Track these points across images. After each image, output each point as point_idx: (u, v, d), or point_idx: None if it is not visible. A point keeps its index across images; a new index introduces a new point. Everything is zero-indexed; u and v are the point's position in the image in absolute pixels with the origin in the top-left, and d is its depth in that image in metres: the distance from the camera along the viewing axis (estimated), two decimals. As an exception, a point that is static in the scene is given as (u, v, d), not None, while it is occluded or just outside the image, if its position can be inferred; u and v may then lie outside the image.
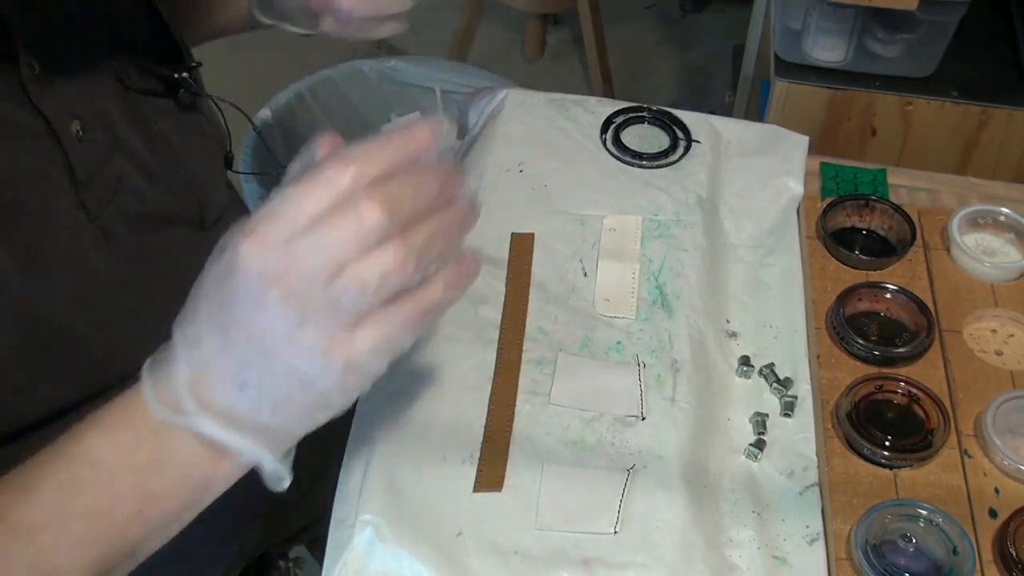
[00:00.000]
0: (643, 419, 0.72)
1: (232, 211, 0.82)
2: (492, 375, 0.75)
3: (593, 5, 2.17)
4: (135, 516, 0.50)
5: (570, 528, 0.66)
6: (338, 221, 0.44)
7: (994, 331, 0.80)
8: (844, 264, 0.84)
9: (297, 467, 0.51)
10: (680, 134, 0.92)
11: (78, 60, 0.66)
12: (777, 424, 0.75)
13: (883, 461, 0.71)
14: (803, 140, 0.92)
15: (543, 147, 0.91)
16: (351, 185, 0.45)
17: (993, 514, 0.68)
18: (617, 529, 0.66)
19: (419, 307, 0.48)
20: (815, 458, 0.73)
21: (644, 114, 0.95)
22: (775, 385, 0.76)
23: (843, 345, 0.78)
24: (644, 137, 0.93)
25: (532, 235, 0.84)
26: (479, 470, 0.69)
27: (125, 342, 0.66)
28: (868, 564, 0.64)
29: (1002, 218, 0.86)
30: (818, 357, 0.78)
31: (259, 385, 0.47)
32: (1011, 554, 0.64)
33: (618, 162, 0.90)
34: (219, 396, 0.48)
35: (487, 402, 0.73)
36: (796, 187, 0.89)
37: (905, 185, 0.92)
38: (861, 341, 0.77)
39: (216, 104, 0.81)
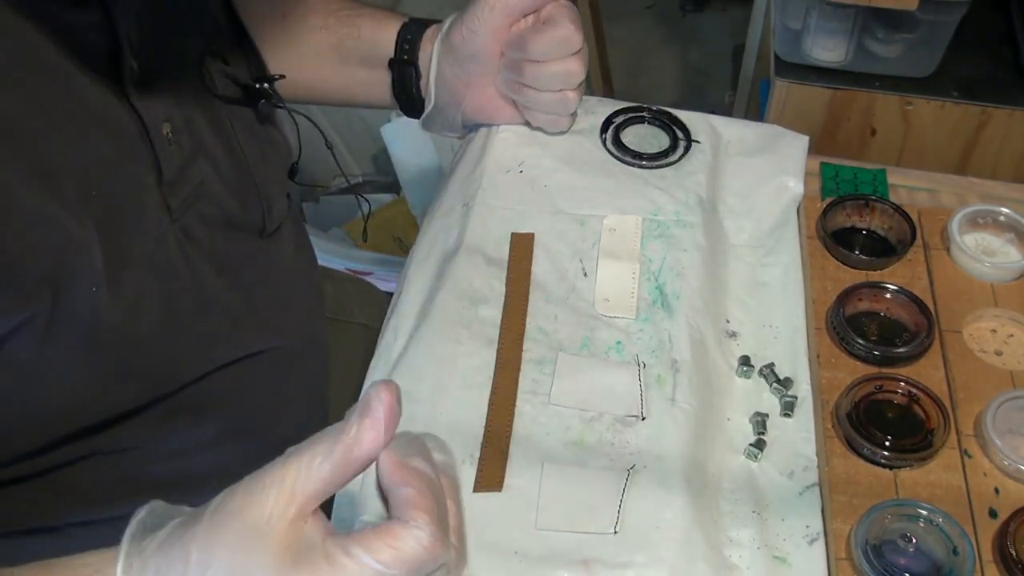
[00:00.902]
0: (643, 419, 0.72)
1: (289, 221, 0.83)
2: (492, 375, 0.75)
3: (593, 5, 2.17)
4: None
5: (570, 528, 0.66)
6: None
7: (994, 331, 0.80)
8: (844, 264, 0.84)
9: None
10: (680, 134, 0.92)
11: (172, 64, 0.67)
12: (777, 424, 0.75)
13: (883, 461, 0.71)
14: (803, 140, 0.92)
15: (543, 147, 0.91)
16: None
17: (993, 514, 0.68)
18: (617, 529, 0.66)
19: None
20: (815, 458, 0.73)
21: (644, 114, 0.95)
22: (775, 385, 0.76)
23: (843, 345, 0.78)
24: (644, 137, 0.93)
25: (532, 235, 0.84)
26: (479, 470, 0.69)
27: (188, 344, 0.67)
28: (868, 564, 0.64)
29: (1002, 218, 0.86)
30: (818, 357, 0.78)
31: None
32: (1011, 554, 0.64)
33: (618, 162, 0.90)
34: None
35: (487, 402, 0.73)
36: (796, 187, 0.89)
37: (905, 185, 0.92)
38: (861, 341, 0.77)
39: (292, 116, 0.82)
